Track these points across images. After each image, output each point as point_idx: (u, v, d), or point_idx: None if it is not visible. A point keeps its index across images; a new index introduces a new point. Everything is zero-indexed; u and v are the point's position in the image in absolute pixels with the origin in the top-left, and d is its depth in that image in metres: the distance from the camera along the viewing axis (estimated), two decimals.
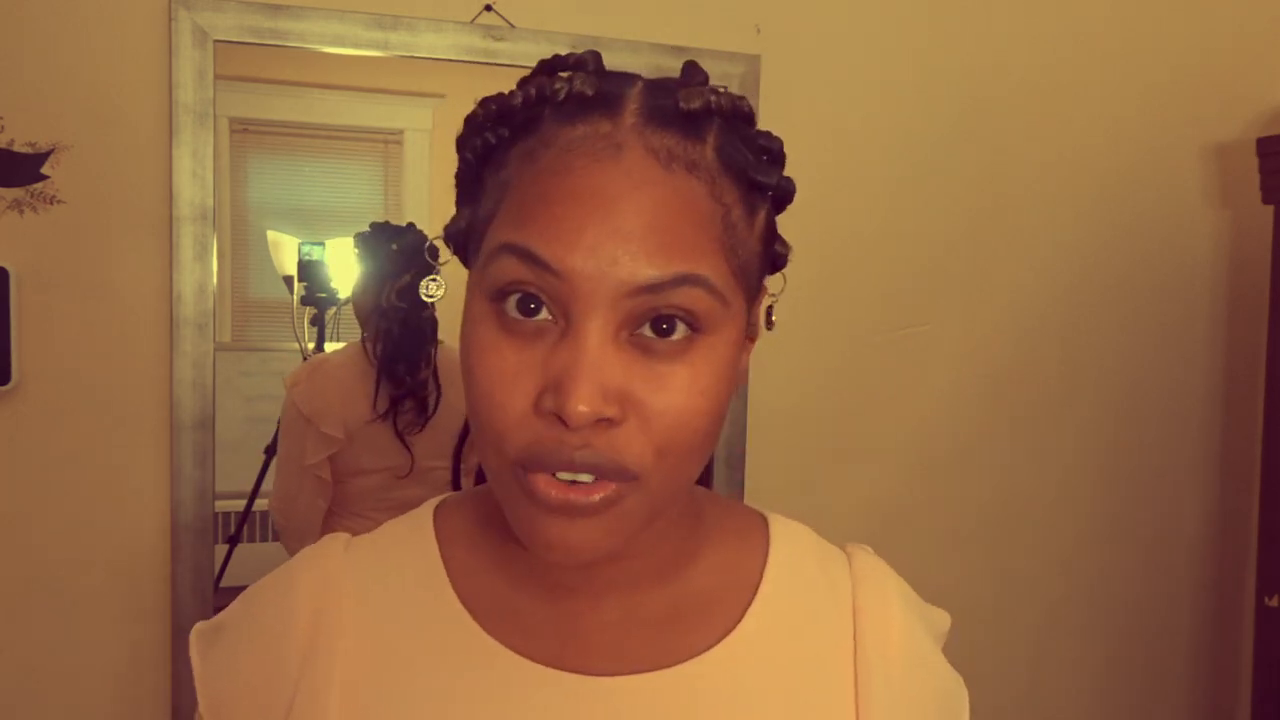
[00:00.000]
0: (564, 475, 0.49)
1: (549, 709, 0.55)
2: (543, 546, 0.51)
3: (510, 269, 0.50)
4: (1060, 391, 1.90)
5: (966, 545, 1.85)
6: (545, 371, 0.49)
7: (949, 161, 1.78)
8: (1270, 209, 1.79)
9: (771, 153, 0.57)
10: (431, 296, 0.59)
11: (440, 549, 0.61)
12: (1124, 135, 1.89)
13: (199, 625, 0.63)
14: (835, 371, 1.75)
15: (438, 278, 0.59)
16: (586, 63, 0.54)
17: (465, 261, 0.58)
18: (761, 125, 0.57)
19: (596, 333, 0.48)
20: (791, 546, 0.64)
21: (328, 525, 1.56)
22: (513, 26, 1.52)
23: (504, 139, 0.54)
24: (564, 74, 0.53)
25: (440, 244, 0.58)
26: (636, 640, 0.58)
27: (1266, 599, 1.78)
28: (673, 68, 0.60)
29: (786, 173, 0.57)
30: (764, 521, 0.65)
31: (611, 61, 0.56)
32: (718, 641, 0.58)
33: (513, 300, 0.50)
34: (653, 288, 0.48)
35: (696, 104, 0.52)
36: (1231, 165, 1.94)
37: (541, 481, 0.49)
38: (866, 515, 1.78)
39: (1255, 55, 1.97)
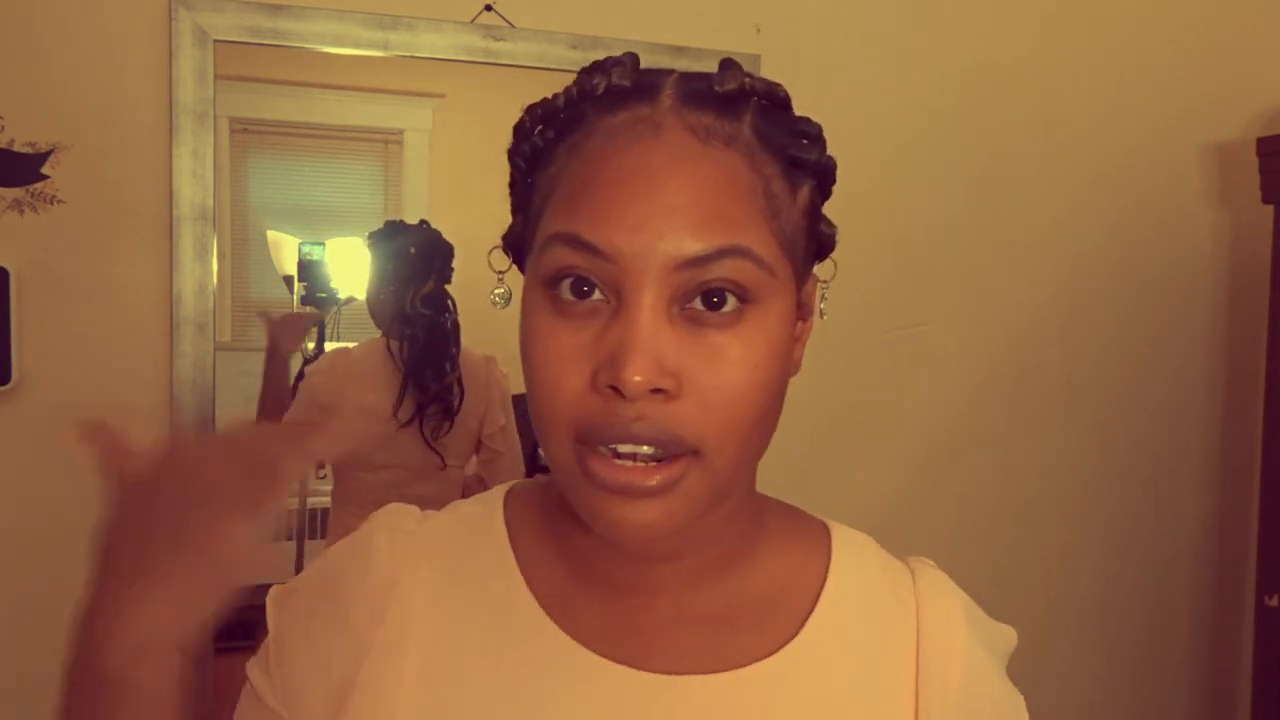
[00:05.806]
0: (624, 448, 0.50)
1: (609, 701, 0.56)
2: (607, 527, 0.52)
3: (561, 256, 0.52)
4: (1060, 391, 1.90)
5: (966, 545, 1.85)
6: (599, 350, 0.50)
7: (948, 161, 1.78)
8: (1270, 209, 1.79)
9: (810, 135, 0.58)
10: (497, 304, 0.61)
11: (510, 537, 0.62)
12: (1124, 135, 1.89)
13: (274, 589, 0.64)
14: (835, 371, 1.74)
15: (502, 287, 0.61)
16: (624, 62, 0.56)
17: (521, 266, 0.59)
18: None
19: (648, 308, 0.50)
20: (854, 557, 0.64)
21: (336, 518, 1.56)
22: (513, 26, 1.52)
23: (550, 140, 0.56)
24: (602, 71, 0.56)
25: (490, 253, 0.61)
26: (692, 641, 0.58)
27: (1266, 599, 1.78)
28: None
29: None
30: (826, 530, 0.65)
31: None
32: (777, 649, 0.58)
33: (566, 285, 0.52)
34: (698, 260, 0.50)
35: (731, 85, 0.54)
36: (1231, 165, 1.94)
37: (600, 464, 0.50)
38: (866, 515, 1.76)
39: (1255, 55, 1.97)
